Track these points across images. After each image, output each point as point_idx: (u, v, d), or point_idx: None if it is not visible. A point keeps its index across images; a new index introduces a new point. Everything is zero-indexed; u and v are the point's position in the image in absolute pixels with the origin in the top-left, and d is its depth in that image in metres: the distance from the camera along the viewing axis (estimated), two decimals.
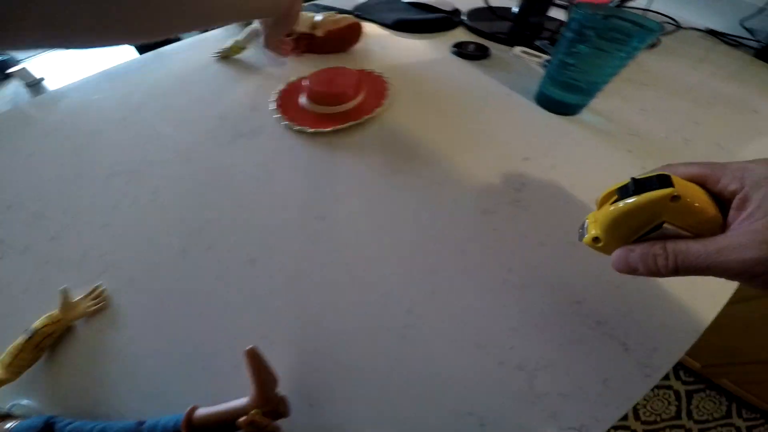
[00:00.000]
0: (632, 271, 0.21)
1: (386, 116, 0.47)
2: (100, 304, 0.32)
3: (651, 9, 0.77)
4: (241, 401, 0.25)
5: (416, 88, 0.52)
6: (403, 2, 0.77)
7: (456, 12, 0.73)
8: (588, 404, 0.26)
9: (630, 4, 0.73)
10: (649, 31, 0.38)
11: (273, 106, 0.48)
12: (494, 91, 0.52)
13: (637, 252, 0.20)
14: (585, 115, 0.48)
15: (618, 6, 0.75)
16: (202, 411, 0.26)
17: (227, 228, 0.36)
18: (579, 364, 0.27)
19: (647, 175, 0.19)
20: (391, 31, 0.68)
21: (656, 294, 0.30)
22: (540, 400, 0.26)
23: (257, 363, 0.26)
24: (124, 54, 1.85)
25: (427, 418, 0.26)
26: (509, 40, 0.63)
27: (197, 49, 0.64)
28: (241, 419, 0.23)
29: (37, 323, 0.30)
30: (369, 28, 0.68)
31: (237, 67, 0.59)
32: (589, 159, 0.42)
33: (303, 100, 0.47)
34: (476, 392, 0.27)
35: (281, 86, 0.51)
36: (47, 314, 0.31)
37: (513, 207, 0.36)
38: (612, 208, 0.20)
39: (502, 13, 0.69)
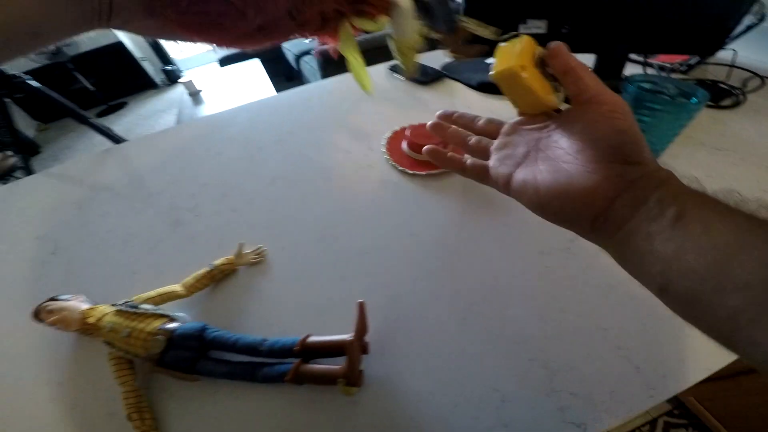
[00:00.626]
0: (571, 66, 0.24)
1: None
2: (260, 259, 0.50)
3: (735, 65, 0.77)
4: (343, 336, 0.36)
5: None
6: (486, 63, 0.89)
7: None
8: (592, 407, 0.32)
9: (713, 59, 0.76)
10: (695, 104, 0.46)
11: (383, 148, 0.65)
12: None
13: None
14: None
15: (698, 63, 0.81)
16: (313, 338, 0.38)
17: (350, 225, 0.53)
18: (593, 375, 0.34)
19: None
20: (477, 92, 0.81)
21: (678, 331, 0.36)
22: (554, 394, 0.33)
23: (362, 313, 0.38)
24: (258, 78, 2.28)
25: (462, 384, 0.35)
26: None
27: (328, 91, 0.85)
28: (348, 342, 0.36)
29: (218, 262, 0.47)
30: (455, 86, 0.83)
31: (366, 114, 0.78)
32: None
33: (404, 146, 0.63)
34: (505, 376, 0.35)
35: (388, 134, 0.68)
36: (225, 257, 0.48)
37: (565, 253, 0.45)
38: (528, 39, 0.26)
39: None
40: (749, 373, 0.83)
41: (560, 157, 0.23)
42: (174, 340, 0.40)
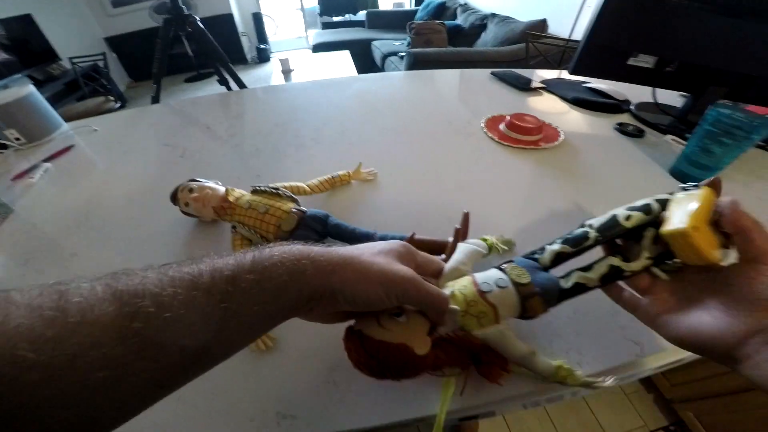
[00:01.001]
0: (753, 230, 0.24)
1: (550, 153, 0.70)
2: (372, 178, 0.63)
3: None
4: (445, 239, 0.44)
5: (578, 142, 0.74)
6: (583, 86, 0.99)
7: (626, 102, 0.91)
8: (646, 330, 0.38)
9: None
10: (764, 127, 0.53)
11: (483, 123, 0.75)
12: (636, 159, 0.69)
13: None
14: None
15: None
16: (418, 236, 0.42)
17: (445, 171, 0.63)
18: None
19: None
20: (570, 105, 0.91)
21: None
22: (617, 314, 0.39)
23: (466, 220, 0.42)
24: (345, 69, 2.47)
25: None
26: (666, 130, 0.77)
27: (425, 80, 0.98)
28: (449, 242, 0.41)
29: (341, 173, 0.59)
30: (550, 98, 0.94)
31: (466, 103, 0.89)
32: None
33: (502, 126, 0.73)
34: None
35: (489, 114, 0.80)
36: (345, 171, 0.60)
37: None
38: (711, 198, 0.26)
39: (666, 108, 0.85)
40: (749, 390, 0.85)
41: (710, 305, 0.25)
42: (305, 219, 0.47)
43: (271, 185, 0.50)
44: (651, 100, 0.86)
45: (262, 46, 4.66)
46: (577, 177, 0.63)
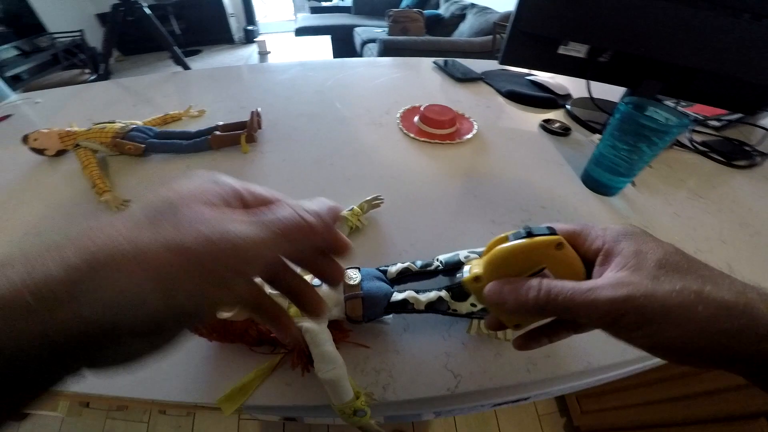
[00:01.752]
0: (502, 302, 0.21)
1: (463, 146, 0.70)
2: (196, 114, 0.75)
3: None
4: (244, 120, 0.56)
5: (495, 137, 0.73)
6: (526, 78, 0.99)
7: (567, 96, 0.90)
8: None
9: (752, 120, 0.75)
10: (678, 128, 0.47)
11: (398, 116, 0.76)
12: (551, 159, 0.67)
13: (512, 284, 0.21)
14: (617, 199, 0.57)
15: (737, 121, 0.79)
16: (222, 123, 0.59)
17: (349, 158, 0.64)
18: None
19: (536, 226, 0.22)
20: (504, 98, 0.90)
21: None
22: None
23: (253, 118, 0.57)
24: (324, 53, 2.46)
25: None
26: (596, 129, 0.75)
27: (370, 66, 0.99)
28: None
29: (172, 112, 0.71)
30: (486, 90, 0.94)
31: (389, 86, 0.90)
32: None
33: (416, 118, 0.75)
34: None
35: (406, 107, 0.80)
36: (177, 111, 0.68)
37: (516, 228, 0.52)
38: (500, 246, 0.22)
39: (602, 105, 0.79)
40: (658, 426, 0.83)
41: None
42: (137, 128, 0.64)
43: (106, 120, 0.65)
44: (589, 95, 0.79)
45: (250, 28, 4.60)
46: (481, 175, 0.61)
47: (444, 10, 3.12)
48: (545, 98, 0.88)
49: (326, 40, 2.79)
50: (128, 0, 1.81)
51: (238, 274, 0.16)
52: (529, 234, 0.21)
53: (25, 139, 0.65)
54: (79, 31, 3.39)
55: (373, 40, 2.72)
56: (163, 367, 0.36)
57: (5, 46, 3.04)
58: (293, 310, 0.33)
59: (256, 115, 0.65)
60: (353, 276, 0.35)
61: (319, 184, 0.59)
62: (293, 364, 0.35)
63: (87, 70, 3.01)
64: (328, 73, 0.98)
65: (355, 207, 0.48)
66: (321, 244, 0.21)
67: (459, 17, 2.89)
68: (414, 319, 0.38)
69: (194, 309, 0.15)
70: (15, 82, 2.95)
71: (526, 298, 0.20)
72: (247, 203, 0.19)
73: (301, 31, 3.34)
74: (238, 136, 0.63)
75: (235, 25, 4.65)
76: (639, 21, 0.59)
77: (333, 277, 0.23)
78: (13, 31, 3.17)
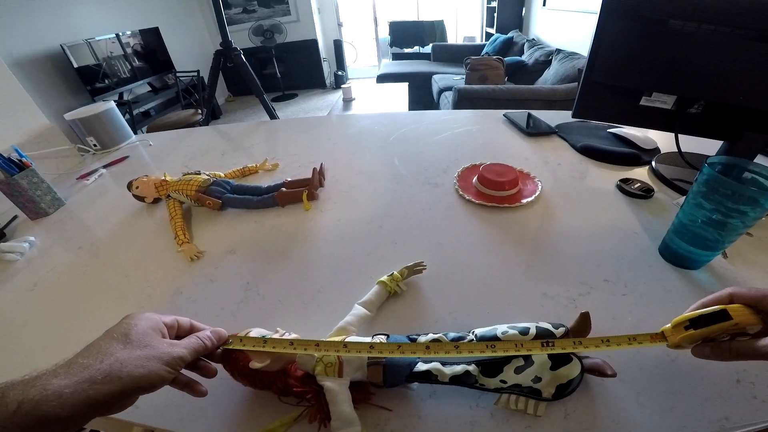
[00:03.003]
0: (706, 357, 0.31)
1: (523, 210, 0.65)
2: (271, 168, 0.81)
3: None
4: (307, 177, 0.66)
5: (561, 199, 0.67)
6: (608, 131, 0.90)
7: (654, 151, 0.79)
8: None
9: None
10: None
11: (456, 175, 0.75)
12: (624, 225, 0.59)
13: (709, 349, 0.30)
14: (701, 273, 0.49)
15: None
16: (290, 180, 0.64)
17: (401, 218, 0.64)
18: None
19: (711, 311, 0.29)
20: (579, 154, 0.83)
21: None
22: None
23: (315, 174, 0.67)
24: (398, 105, 2.58)
25: None
26: (684, 190, 0.64)
27: (437, 120, 1.00)
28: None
29: (249, 165, 0.80)
30: (560, 144, 0.87)
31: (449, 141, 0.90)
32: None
33: (474, 179, 0.72)
34: None
35: (465, 165, 0.78)
36: (254, 164, 0.75)
37: (568, 302, 0.46)
38: (691, 332, 0.30)
39: (696, 161, 0.68)
40: None
41: None
42: (216, 182, 0.73)
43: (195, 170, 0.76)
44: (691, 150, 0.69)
45: (339, 73, 5.04)
46: (539, 242, 0.57)
47: (527, 56, 3.08)
48: (626, 154, 0.78)
49: (403, 87, 2.92)
50: (228, 47, 2.07)
51: (178, 365, 0.32)
52: (706, 322, 0.29)
53: (129, 186, 0.77)
54: (197, 70, 3.57)
55: (449, 88, 2.79)
56: (201, 404, 0.39)
57: (141, 81, 3.33)
58: (319, 368, 0.36)
59: (317, 173, 0.70)
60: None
61: (366, 246, 0.59)
62: (311, 418, 0.36)
63: (200, 110, 3.47)
64: (395, 127, 1.02)
65: (395, 272, 0.49)
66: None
67: (543, 64, 2.83)
68: (443, 387, 0.37)
69: (165, 380, 0.31)
70: (144, 118, 3.34)
71: (722, 356, 0.30)
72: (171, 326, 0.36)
73: (382, 78, 3.57)
74: (300, 193, 0.68)
75: (327, 69, 5.12)
76: (736, 67, 0.52)
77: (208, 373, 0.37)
78: (150, 67, 3.44)
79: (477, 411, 0.36)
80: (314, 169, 0.69)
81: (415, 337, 0.39)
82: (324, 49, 5.02)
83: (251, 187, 0.72)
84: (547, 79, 2.63)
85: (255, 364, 0.36)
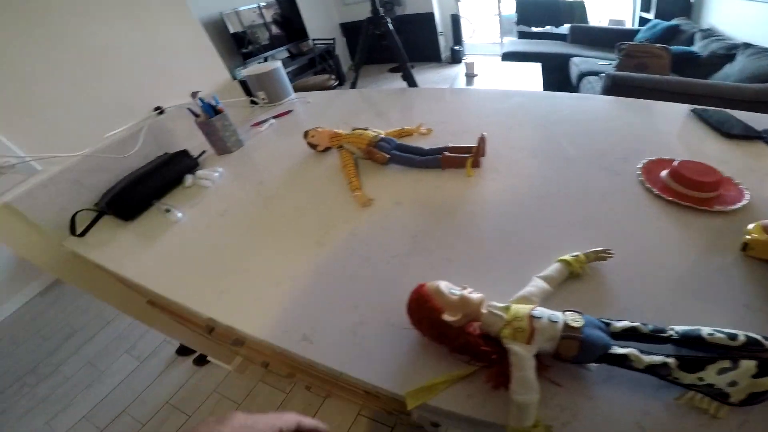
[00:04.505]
0: None
1: (723, 218, 0.55)
2: (424, 131, 0.85)
3: None
4: (472, 145, 0.66)
5: None
6: None
7: None
8: None
9: None
10: None
11: (640, 166, 0.66)
12: None
13: None
14: None
15: None
16: (452, 145, 0.69)
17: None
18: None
19: None
20: None
21: None
22: None
23: (481, 143, 0.67)
24: (533, 82, 2.39)
25: None
26: None
27: (601, 105, 0.89)
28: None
29: (406, 128, 0.85)
30: (763, 152, 0.72)
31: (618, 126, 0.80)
32: None
33: (664, 173, 0.63)
34: None
35: (650, 158, 0.68)
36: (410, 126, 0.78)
37: None
38: None
39: None
40: None
41: None
42: (383, 139, 0.77)
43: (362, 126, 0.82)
44: None
45: (456, 48, 4.86)
46: (740, 254, 0.48)
47: (700, 47, 2.54)
48: None
49: (536, 67, 2.69)
50: (377, 15, 2.15)
51: None
52: None
53: (305, 134, 0.86)
54: (332, 39, 4.03)
55: (594, 73, 2.48)
56: (368, 349, 0.45)
57: (281, 48, 3.75)
58: (506, 332, 0.37)
59: (483, 141, 0.68)
60: (577, 318, 0.37)
61: (538, 221, 0.58)
62: (489, 379, 0.38)
63: (333, 76, 3.73)
64: (551, 107, 0.94)
65: (581, 254, 0.47)
66: None
67: (722, 58, 2.30)
68: (622, 372, 0.36)
69: None
70: None
71: None
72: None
73: (508, 56, 3.34)
74: (464, 159, 0.68)
75: (443, 44, 5.00)
76: None
77: None
78: (286, 35, 3.80)
79: (651, 402, 0.35)
80: (480, 137, 0.68)
81: (608, 321, 0.38)
82: (440, 22, 4.88)
83: (413, 147, 0.75)
84: (729, 75, 2.14)
85: (448, 317, 0.38)
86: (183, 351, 1.65)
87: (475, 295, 0.40)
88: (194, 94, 0.98)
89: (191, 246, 0.70)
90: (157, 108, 1.04)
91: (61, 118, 0.86)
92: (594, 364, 0.37)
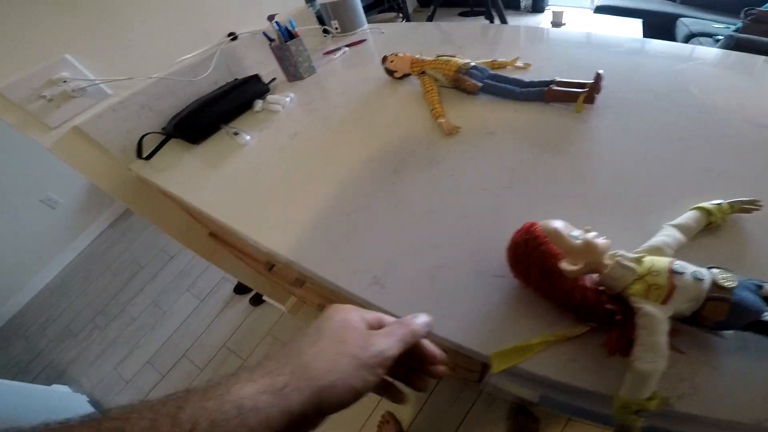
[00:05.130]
0: None
1: None
2: (520, 64, 0.73)
3: None
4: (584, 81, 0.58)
5: None
6: None
7: None
8: None
9: None
10: None
11: None
12: None
13: None
14: None
15: None
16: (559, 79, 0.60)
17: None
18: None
19: None
20: None
21: None
22: None
23: (598, 80, 0.57)
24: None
25: None
26: None
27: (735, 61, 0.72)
28: None
29: (500, 60, 0.74)
30: None
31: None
32: None
33: None
34: None
35: None
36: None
37: None
38: None
39: None
40: None
41: None
42: (475, 67, 0.69)
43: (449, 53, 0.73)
44: None
45: None
46: None
47: None
48: None
49: (636, 24, 2.34)
50: None
51: (382, 366, 0.25)
52: None
53: (384, 59, 0.79)
54: None
55: (707, 35, 2.11)
56: (450, 298, 0.39)
57: None
58: (638, 288, 0.30)
59: (600, 78, 0.58)
60: (729, 277, 0.29)
61: (664, 163, 0.48)
62: (608, 343, 0.31)
63: (400, 15, 3.57)
64: (674, 59, 0.77)
65: (724, 203, 0.38)
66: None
67: None
68: (762, 344, 0.30)
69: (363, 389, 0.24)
70: None
71: None
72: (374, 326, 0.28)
73: (603, 9, 2.93)
74: (576, 94, 0.58)
75: None
76: None
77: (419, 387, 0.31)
78: None
79: None
80: (598, 72, 0.57)
81: (760, 283, 0.30)
82: None
83: (511, 78, 0.66)
84: None
85: (567, 266, 0.31)
86: (240, 290, 1.71)
87: (602, 241, 0.32)
88: (271, 17, 0.93)
89: (257, 172, 0.68)
90: (231, 34, 1.01)
91: (134, 42, 0.84)
92: (731, 331, 0.31)
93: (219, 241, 0.96)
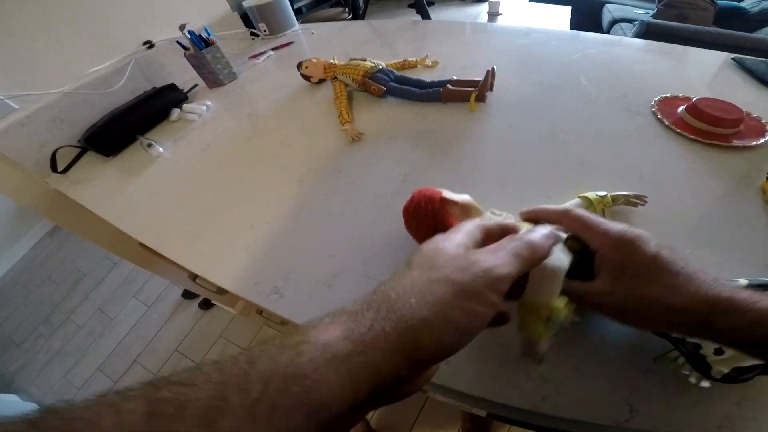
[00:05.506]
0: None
1: (743, 155, 0.50)
2: (429, 64, 0.78)
3: None
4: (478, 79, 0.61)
5: None
6: None
7: None
8: None
9: None
10: None
11: (655, 102, 0.60)
12: None
13: None
14: None
15: None
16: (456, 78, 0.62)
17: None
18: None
19: None
20: None
21: None
22: None
23: (488, 77, 0.61)
24: (560, 25, 2.18)
25: None
26: None
27: (630, 48, 0.79)
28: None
29: (410, 59, 0.80)
30: None
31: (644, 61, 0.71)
32: None
33: (681, 109, 0.57)
34: None
35: (658, 97, 0.61)
36: (413, 58, 0.75)
37: None
38: None
39: None
40: None
41: None
42: (381, 70, 0.71)
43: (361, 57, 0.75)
44: None
45: None
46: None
47: (751, 4, 2.27)
48: None
49: (564, 11, 2.45)
50: None
51: (491, 289, 0.19)
52: None
53: (299, 65, 0.80)
54: None
55: (628, 20, 2.25)
56: (342, 305, 0.42)
57: None
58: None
59: (490, 76, 0.62)
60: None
61: (542, 161, 0.53)
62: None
63: (346, 9, 3.52)
64: (576, 47, 0.83)
65: (608, 195, 0.41)
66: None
67: None
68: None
69: (469, 324, 0.19)
70: (297, 15, 3.68)
71: None
72: (482, 241, 0.24)
73: None
74: (468, 93, 0.62)
75: None
76: None
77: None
78: None
79: (641, 378, 0.32)
80: (488, 71, 0.61)
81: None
82: None
83: (414, 80, 0.69)
84: None
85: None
86: (189, 294, 1.68)
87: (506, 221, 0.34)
88: (182, 27, 0.90)
89: (169, 184, 0.67)
90: (147, 42, 0.98)
91: (37, 56, 0.80)
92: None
93: (150, 250, 0.94)
